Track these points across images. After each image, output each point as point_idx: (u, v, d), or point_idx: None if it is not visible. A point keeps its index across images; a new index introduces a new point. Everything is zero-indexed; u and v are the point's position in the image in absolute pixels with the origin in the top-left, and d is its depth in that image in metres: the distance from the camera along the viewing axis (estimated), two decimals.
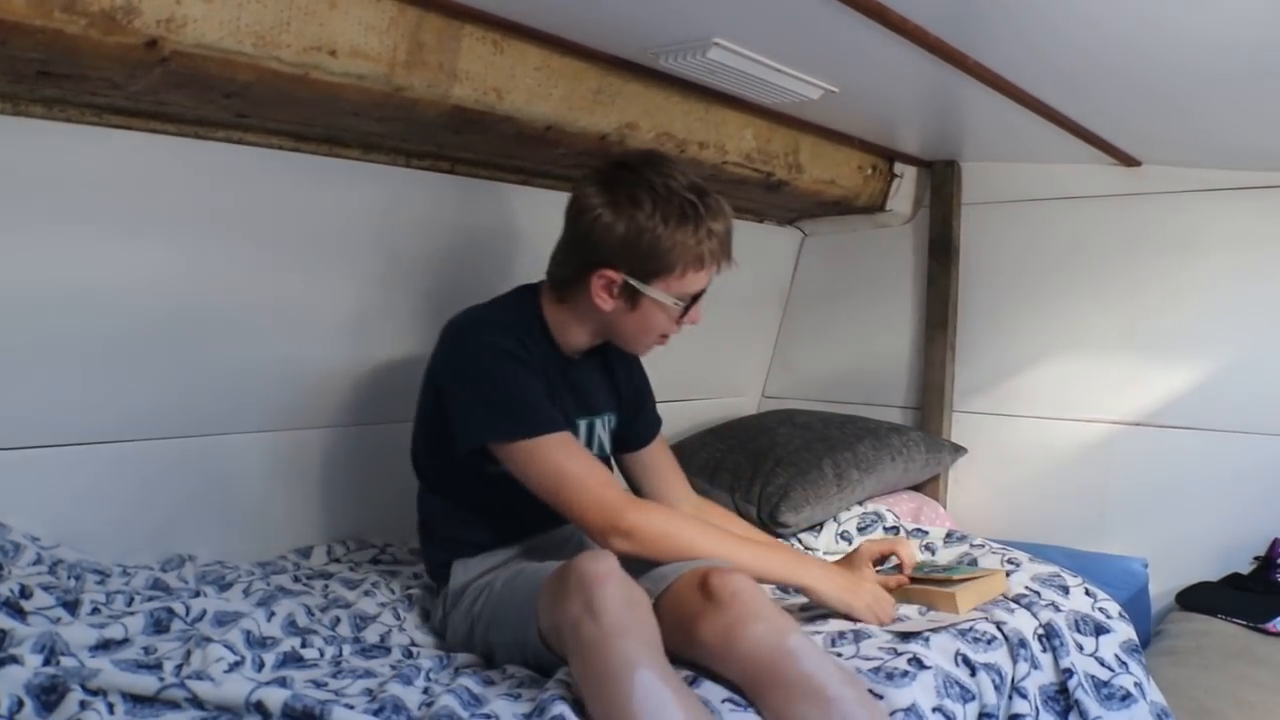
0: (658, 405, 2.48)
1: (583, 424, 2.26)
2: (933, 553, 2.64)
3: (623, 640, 1.58)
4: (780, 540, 2.75)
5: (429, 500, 2.28)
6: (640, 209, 2.00)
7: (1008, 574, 2.37)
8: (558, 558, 1.99)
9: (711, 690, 1.68)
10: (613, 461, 2.42)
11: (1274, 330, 3.05)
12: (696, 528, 2.04)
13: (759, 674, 1.66)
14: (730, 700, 1.66)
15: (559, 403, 2.13)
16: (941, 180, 3.59)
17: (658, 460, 2.46)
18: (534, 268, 2.65)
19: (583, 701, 1.61)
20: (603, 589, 1.63)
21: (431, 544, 2.28)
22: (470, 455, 2.05)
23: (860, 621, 2.04)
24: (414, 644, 2.07)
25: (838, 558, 2.35)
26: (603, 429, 2.32)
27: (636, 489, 2.44)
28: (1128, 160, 3.20)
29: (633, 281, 2.04)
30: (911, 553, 2.31)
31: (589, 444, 2.27)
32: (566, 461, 1.99)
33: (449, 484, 2.20)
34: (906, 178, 3.61)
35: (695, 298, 2.11)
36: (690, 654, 1.72)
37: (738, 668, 1.69)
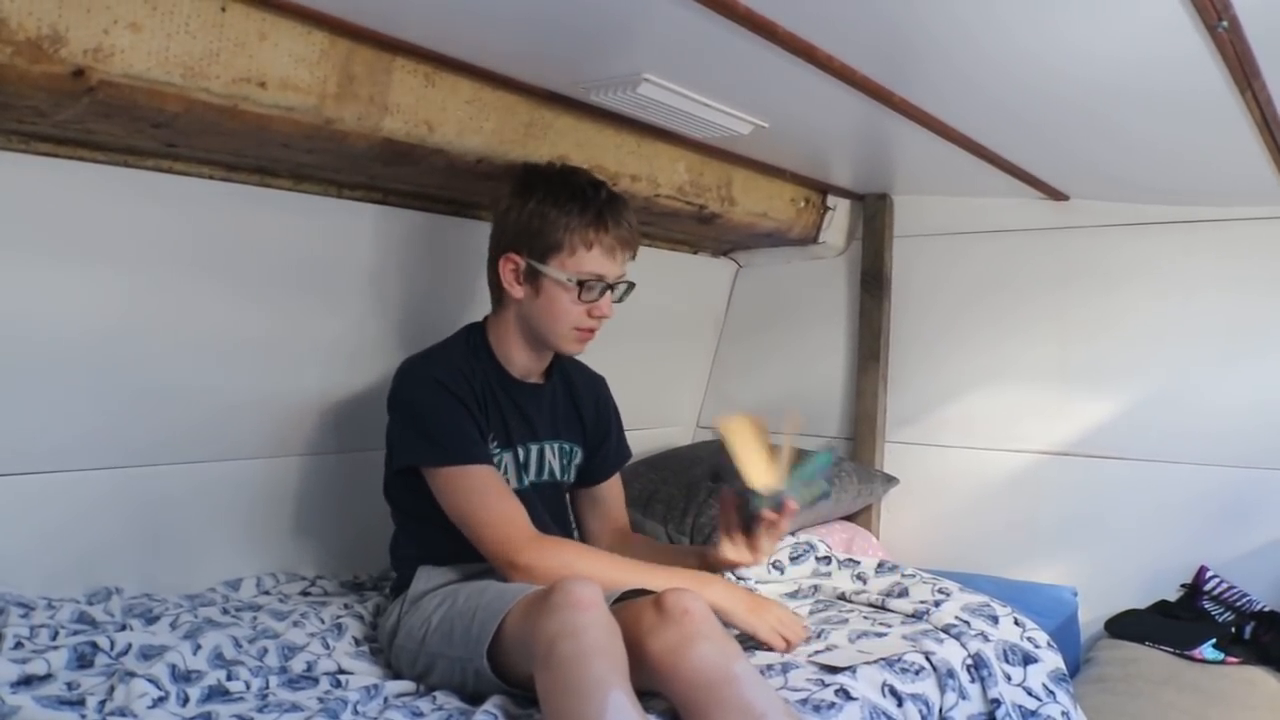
0: None
1: (534, 448, 2.30)
2: (864, 582, 2.65)
3: (600, 660, 1.61)
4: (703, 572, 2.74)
5: (400, 520, 2.34)
6: (535, 194, 2.19)
7: (937, 603, 2.38)
8: None
9: None
10: (568, 491, 2.45)
11: (1198, 362, 3.10)
12: (594, 559, 2.09)
13: (701, 695, 1.67)
14: None
15: (503, 427, 2.23)
16: (874, 213, 3.62)
17: (607, 495, 2.51)
18: (463, 297, 2.65)
19: None
20: (588, 613, 1.67)
21: (400, 557, 2.31)
22: (409, 475, 2.16)
23: (764, 642, 2.06)
24: (342, 670, 2.05)
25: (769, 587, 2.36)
26: (554, 455, 2.35)
27: (580, 522, 2.50)
28: (1056, 195, 3.25)
29: (532, 262, 2.18)
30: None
31: (538, 470, 2.31)
32: (478, 495, 2.09)
33: (416, 507, 2.23)
34: (839, 210, 3.64)
35: (603, 287, 2.21)
36: (636, 675, 1.71)
37: (681, 687, 1.70)
